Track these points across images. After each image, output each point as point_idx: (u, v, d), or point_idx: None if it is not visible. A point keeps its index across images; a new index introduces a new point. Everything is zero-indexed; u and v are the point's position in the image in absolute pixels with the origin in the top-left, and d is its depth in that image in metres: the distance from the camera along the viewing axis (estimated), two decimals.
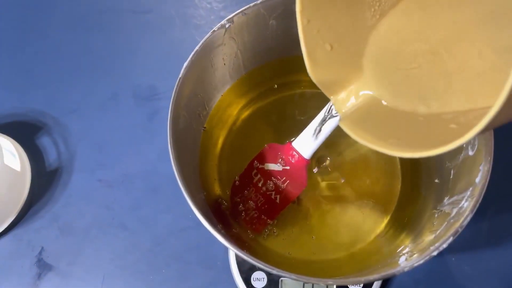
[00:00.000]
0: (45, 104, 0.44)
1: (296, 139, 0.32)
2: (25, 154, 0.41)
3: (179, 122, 0.30)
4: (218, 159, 0.38)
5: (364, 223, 0.36)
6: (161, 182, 0.40)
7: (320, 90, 0.28)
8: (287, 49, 0.35)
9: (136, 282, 0.38)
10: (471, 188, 0.27)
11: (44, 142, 0.43)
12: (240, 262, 0.35)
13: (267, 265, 0.25)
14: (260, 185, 0.35)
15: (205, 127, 0.36)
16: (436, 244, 0.25)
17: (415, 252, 0.27)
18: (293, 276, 0.24)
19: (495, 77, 0.23)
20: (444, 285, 0.36)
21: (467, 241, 0.37)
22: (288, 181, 0.35)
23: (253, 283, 0.35)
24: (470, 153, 0.28)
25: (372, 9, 0.27)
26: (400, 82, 0.27)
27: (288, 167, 0.34)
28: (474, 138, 0.27)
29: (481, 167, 0.26)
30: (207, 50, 0.32)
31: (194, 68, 0.31)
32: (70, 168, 0.42)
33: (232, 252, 0.36)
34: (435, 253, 0.25)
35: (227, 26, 0.31)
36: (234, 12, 0.31)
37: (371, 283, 0.35)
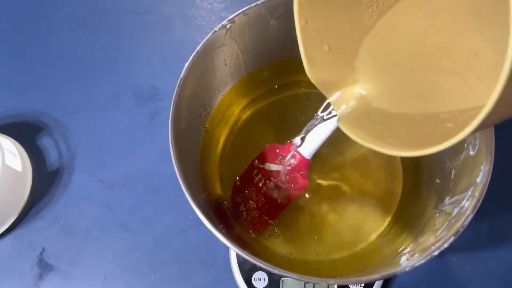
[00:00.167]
0: (46, 105, 0.44)
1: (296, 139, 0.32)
2: (26, 154, 0.41)
3: (180, 122, 0.30)
4: (219, 159, 0.38)
5: (365, 223, 0.36)
6: (162, 183, 0.40)
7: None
8: (288, 49, 0.35)
9: (137, 282, 0.38)
10: (472, 188, 0.27)
11: (45, 142, 0.43)
12: (241, 262, 0.35)
13: (269, 265, 0.25)
14: (261, 185, 0.35)
15: (206, 128, 0.36)
16: (437, 244, 0.25)
17: (416, 252, 0.27)
18: (295, 275, 0.24)
19: (491, 76, 0.23)
20: (445, 285, 0.36)
21: (468, 241, 0.37)
22: (289, 181, 0.35)
23: (254, 283, 0.35)
24: (471, 153, 0.28)
25: (370, 10, 0.27)
26: (398, 82, 0.27)
27: (289, 167, 0.34)
28: (475, 138, 0.27)
29: (482, 167, 0.26)
30: (208, 51, 0.32)
31: (195, 69, 0.31)
32: (71, 169, 0.42)
33: (233, 252, 0.36)
34: (436, 253, 0.25)
35: (228, 26, 0.31)
36: (235, 12, 0.31)
37: (372, 283, 0.35)
